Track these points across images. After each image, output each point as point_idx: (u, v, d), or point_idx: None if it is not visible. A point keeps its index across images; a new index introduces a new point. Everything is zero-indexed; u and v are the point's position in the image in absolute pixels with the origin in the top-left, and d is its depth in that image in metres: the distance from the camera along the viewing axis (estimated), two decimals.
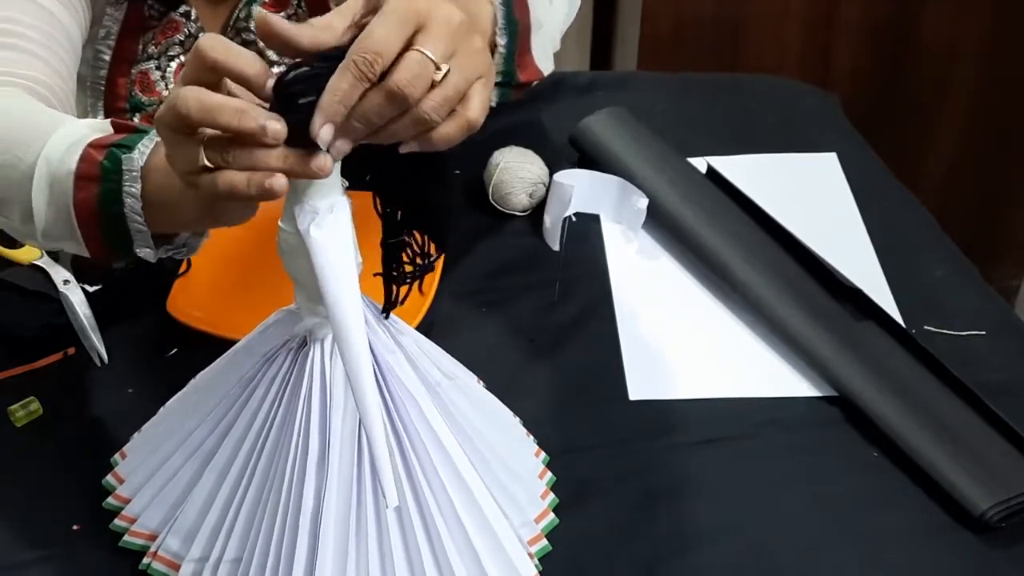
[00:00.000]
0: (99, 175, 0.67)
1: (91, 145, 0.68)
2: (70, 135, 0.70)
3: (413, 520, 0.69)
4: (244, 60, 0.58)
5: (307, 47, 0.58)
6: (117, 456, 0.81)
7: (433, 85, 0.57)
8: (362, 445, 0.68)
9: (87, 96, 0.99)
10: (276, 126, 0.56)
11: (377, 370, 0.67)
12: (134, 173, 0.66)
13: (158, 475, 0.76)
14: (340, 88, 0.56)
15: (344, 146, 0.58)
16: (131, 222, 0.67)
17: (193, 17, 1.00)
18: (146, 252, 0.70)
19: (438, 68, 0.57)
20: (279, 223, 0.64)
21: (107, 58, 0.99)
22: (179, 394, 0.78)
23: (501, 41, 0.81)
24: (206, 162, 0.58)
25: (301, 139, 0.57)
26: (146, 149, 0.67)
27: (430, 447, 0.70)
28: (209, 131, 0.58)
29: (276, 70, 1.09)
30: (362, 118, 0.57)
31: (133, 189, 0.66)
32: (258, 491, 0.71)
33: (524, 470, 0.79)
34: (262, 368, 0.71)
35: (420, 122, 0.58)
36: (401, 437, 0.69)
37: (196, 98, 0.57)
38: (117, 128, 0.70)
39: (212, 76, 0.58)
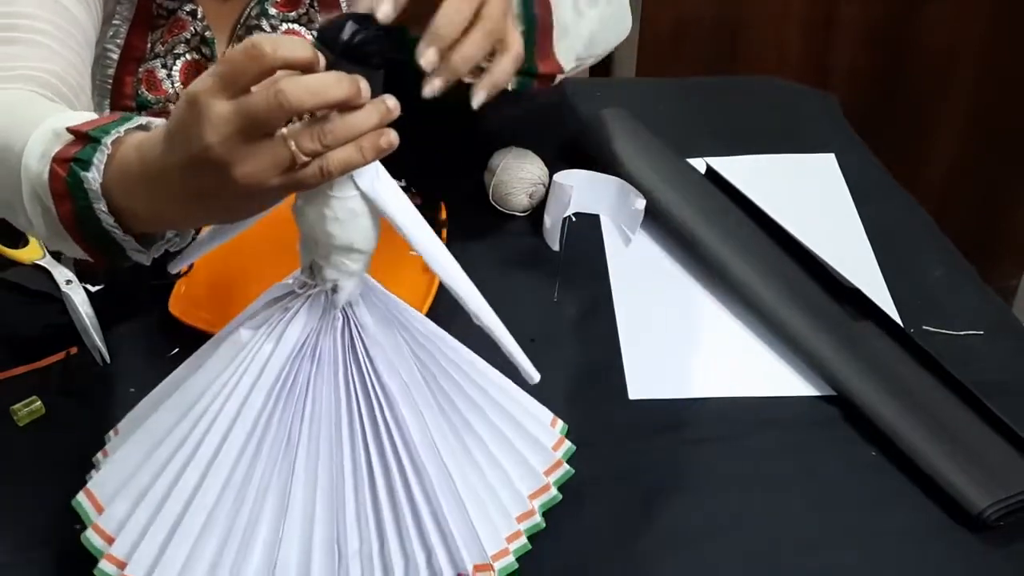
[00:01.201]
0: (68, 192, 0.65)
1: (55, 160, 0.65)
2: (38, 144, 0.67)
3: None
4: (293, 47, 0.57)
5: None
6: (99, 455, 0.79)
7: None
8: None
9: (95, 94, 0.99)
10: (363, 84, 0.58)
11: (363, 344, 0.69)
12: (96, 191, 0.64)
13: (141, 508, 0.71)
14: (452, 19, 0.63)
15: (440, 82, 0.65)
16: (112, 235, 0.66)
17: (200, 16, 1.00)
18: (139, 256, 0.69)
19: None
20: (331, 193, 0.63)
21: (115, 57, 0.99)
22: (144, 401, 0.77)
23: (517, 23, 0.84)
24: (303, 156, 0.58)
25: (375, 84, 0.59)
26: (100, 164, 0.64)
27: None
28: (285, 129, 0.57)
29: None
30: (464, 58, 0.65)
31: (101, 206, 0.64)
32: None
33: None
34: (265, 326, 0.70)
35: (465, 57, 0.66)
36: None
37: (299, 88, 0.56)
38: (75, 135, 0.66)
39: (257, 78, 0.57)
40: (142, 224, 0.66)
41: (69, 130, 0.66)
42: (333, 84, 0.57)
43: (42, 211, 0.68)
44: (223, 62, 0.57)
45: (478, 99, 0.70)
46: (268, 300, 0.72)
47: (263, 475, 0.69)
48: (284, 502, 0.69)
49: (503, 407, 0.77)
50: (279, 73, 0.57)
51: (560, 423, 0.82)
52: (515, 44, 0.71)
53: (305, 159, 0.58)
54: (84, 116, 0.68)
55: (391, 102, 0.59)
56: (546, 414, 0.81)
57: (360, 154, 0.59)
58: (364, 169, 0.62)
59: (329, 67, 0.58)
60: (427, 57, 0.63)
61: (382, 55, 0.59)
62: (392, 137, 0.59)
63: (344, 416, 0.69)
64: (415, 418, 0.70)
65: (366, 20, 0.59)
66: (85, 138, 0.65)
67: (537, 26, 0.83)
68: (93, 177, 0.64)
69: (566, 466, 0.80)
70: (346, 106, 0.58)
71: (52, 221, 0.68)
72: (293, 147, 0.57)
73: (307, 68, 0.57)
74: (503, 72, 0.70)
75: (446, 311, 0.97)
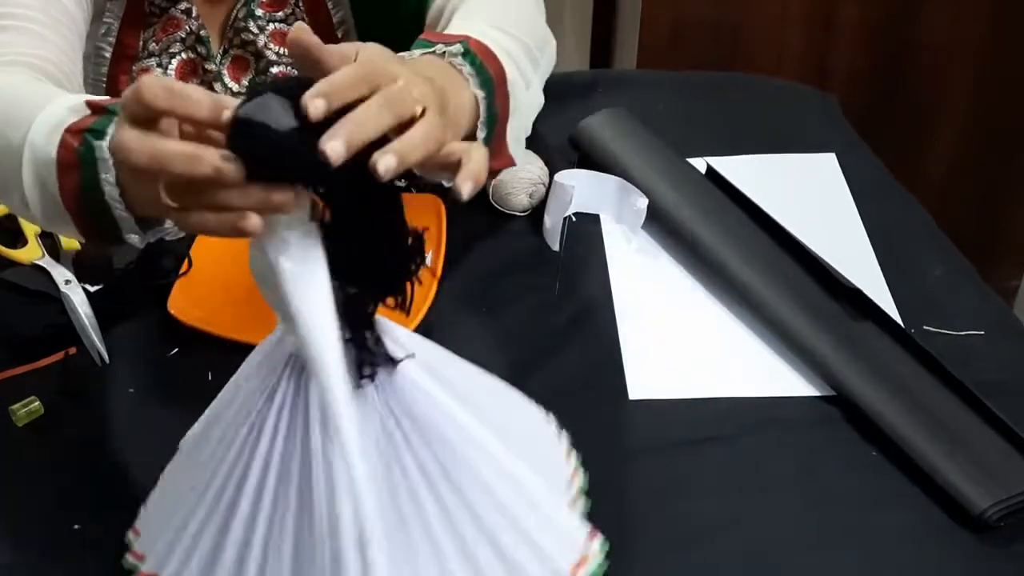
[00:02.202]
0: (77, 162, 0.66)
1: (67, 130, 0.66)
2: (50, 118, 0.68)
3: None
4: (192, 103, 0.56)
5: (333, 68, 0.57)
6: (130, 534, 0.76)
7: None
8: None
9: (88, 92, 1.00)
10: (231, 167, 0.55)
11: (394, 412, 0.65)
12: (107, 161, 0.64)
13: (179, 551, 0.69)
14: (341, 79, 0.56)
15: (339, 144, 0.56)
16: (113, 209, 0.66)
17: (194, 14, 1.00)
18: (133, 238, 0.68)
19: (416, 102, 0.61)
20: (250, 247, 0.61)
21: (108, 55, 0.99)
22: (179, 456, 0.75)
23: (481, 134, 0.78)
24: (170, 203, 0.57)
25: (263, 169, 0.55)
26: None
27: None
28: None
29: (275, 70, 1.10)
30: (356, 121, 0.57)
31: (109, 176, 0.65)
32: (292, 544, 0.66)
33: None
34: (264, 404, 0.67)
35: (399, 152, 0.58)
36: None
37: (144, 148, 0.55)
38: (92, 108, 0.68)
39: (158, 118, 0.57)
40: (139, 205, 0.66)
41: (88, 103, 0.68)
42: (180, 158, 0.55)
43: (40, 188, 0.68)
44: (134, 94, 0.57)
45: (467, 190, 0.63)
46: (259, 361, 0.69)
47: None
48: None
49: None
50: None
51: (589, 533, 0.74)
52: (474, 147, 0.65)
53: (172, 205, 0.57)
54: (100, 97, 0.69)
55: (277, 198, 0.56)
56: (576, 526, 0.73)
57: (217, 226, 0.57)
58: (273, 240, 0.59)
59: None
60: (315, 105, 0.55)
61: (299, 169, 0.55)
62: (248, 225, 0.56)
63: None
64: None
65: (280, 91, 0.55)
66: (102, 111, 0.66)
67: (497, 123, 0.79)
68: (107, 145, 0.64)
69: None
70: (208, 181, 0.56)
71: (50, 198, 0.68)
72: (161, 190, 0.57)
73: (203, 126, 0.57)
74: (480, 163, 0.64)
75: (446, 312, 0.97)
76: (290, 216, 0.58)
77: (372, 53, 0.60)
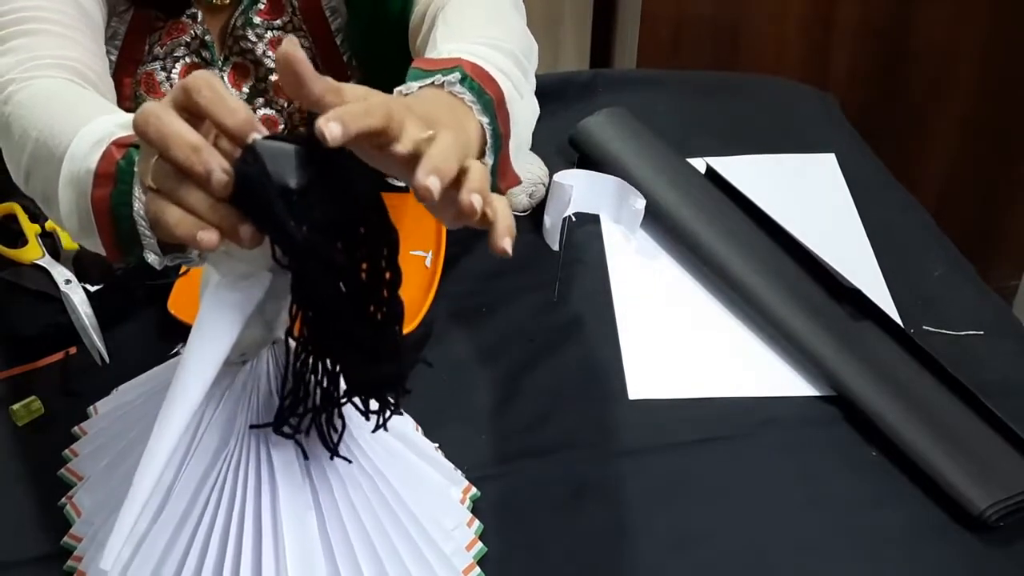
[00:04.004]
0: (115, 174, 0.66)
1: (114, 143, 0.67)
2: (96, 132, 0.68)
3: None
4: (227, 109, 0.55)
5: (316, 95, 0.56)
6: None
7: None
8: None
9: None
10: (222, 178, 0.54)
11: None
12: None
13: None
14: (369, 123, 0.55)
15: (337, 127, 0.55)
16: (138, 226, 0.67)
17: (200, 20, 1.00)
18: (153, 258, 0.69)
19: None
20: (208, 258, 0.61)
21: (113, 59, 0.99)
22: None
23: (489, 160, 0.77)
24: (150, 181, 0.57)
25: (245, 202, 0.55)
26: None
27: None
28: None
29: (274, 78, 1.09)
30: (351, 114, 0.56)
31: (140, 192, 0.65)
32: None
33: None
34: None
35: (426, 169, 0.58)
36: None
37: (156, 119, 0.55)
38: None
39: (195, 113, 0.56)
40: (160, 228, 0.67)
41: None
42: (183, 143, 0.55)
43: (76, 199, 0.69)
44: (182, 85, 0.57)
45: (506, 245, 0.62)
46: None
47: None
48: None
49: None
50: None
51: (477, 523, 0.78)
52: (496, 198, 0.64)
53: (151, 184, 0.57)
54: None
55: (244, 232, 0.55)
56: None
57: (175, 222, 0.56)
58: (219, 264, 0.59)
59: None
60: (330, 129, 0.54)
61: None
62: (205, 238, 0.55)
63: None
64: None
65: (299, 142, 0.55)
66: None
67: (501, 148, 0.78)
68: None
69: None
70: (196, 179, 0.55)
71: (84, 210, 0.68)
72: (150, 167, 0.57)
73: (227, 135, 0.56)
74: (506, 213, 0.63)
75: (446, 312, 0.97)
76: (250, 256, 0.58)
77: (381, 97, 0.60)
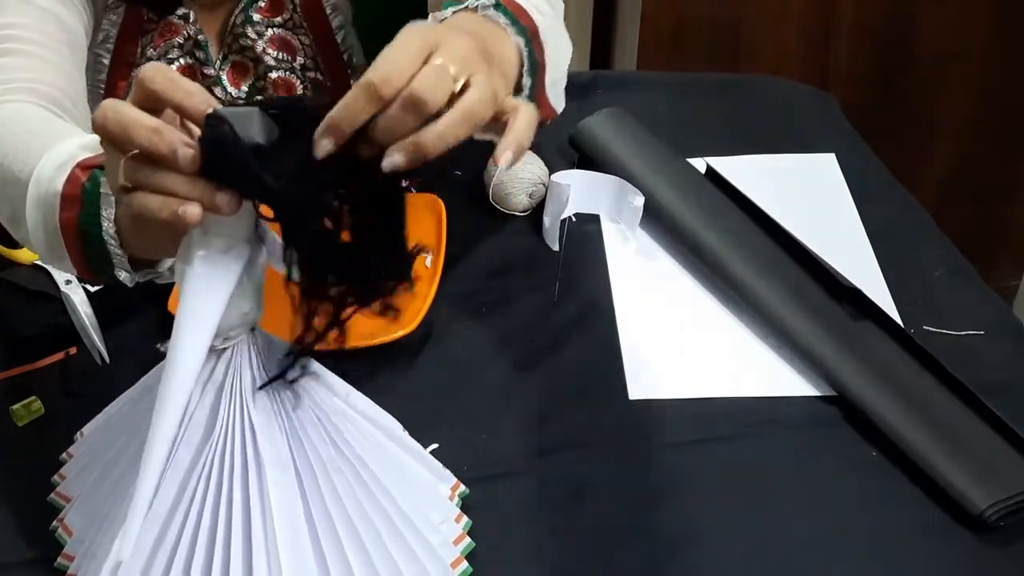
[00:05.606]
0: (81, 196, 0.66)
1: (78, 165, 0.67)
2: (61, 154, 0.69)
3: None
4: (183, 92, 0.57)
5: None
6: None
7: (452, 98, 0.58)
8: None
9: (88, 99, 1.00)
10: (188, 152, 0.56)
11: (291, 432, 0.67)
12: (110, 196, 0.66)
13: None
14: (350, 106, 0.56)
15: (400, 157, 0.57)
16: (108, 244, 0.67)
17: (192, 20, 1.00)
18: (124, 276, 0.69)
19: (455, 80, 0.58)
20: (183, 240, 0.61)
21: (106, 62, 0.99)
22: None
23: (527, 82, 0.78)
24: (123, 180, 0.58)
25: (218, 169, 0.56)
26: None
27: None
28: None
29: (274, 75, 1.09)
30: (384, 132, 0.57)
31: (108, 212, 0.66)
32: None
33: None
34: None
35: (441, 136, 0.58)
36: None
37: (114, 112, 0.56)
38: None
39: (155, 105, 0.58)
40: (129, 247, 0.67)
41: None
42: (143, 128, 0.56)
43: (43, 221, 0.69)
44: (136, 79, 0.58)
45: (506, 160, 0.63)
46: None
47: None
48: None
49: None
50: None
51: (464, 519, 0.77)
52: (522, 109, 0.64)
53: (125, 184, 0.58)
54: None
55: (220, 199, 0.57)
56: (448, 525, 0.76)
57: (158, 208, 0.57)
58: (198, 239, 0.59)
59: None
60: (322, 146, 0.57)
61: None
62: (188, 212, 0.56)
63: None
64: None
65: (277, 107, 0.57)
66: None
67: (537, 73, 0.78)
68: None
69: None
70: (164, 161, 0.56)
71: (51, 231, 0.68)
72: (120, 167, 0.58)
73: (187, 116, 0.57)
74: (523, 128, 0.64)
75: (446, 312, 0.97)
76: (229, 227, 0.59)
77: (406, 39, 0.59)
